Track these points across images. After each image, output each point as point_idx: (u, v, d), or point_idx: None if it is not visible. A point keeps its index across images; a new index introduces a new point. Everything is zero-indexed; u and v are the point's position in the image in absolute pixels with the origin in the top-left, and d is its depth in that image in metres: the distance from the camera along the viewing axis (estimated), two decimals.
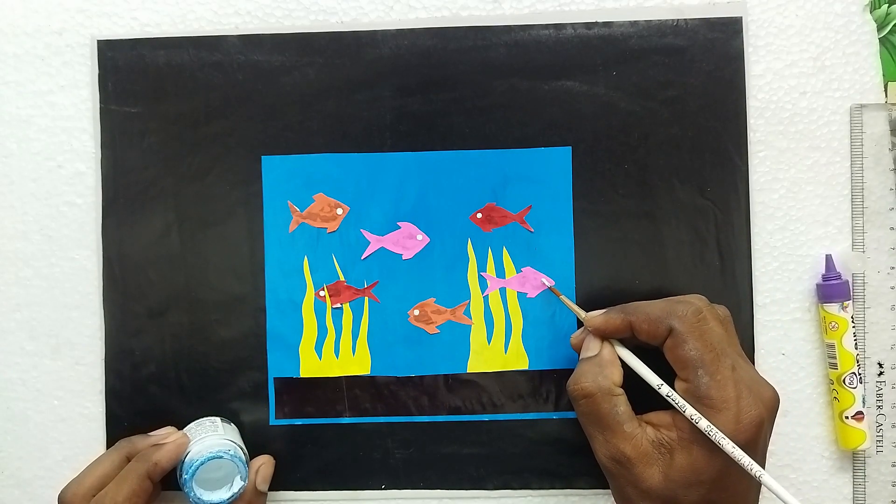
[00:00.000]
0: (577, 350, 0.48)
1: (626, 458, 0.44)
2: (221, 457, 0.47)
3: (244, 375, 0.52)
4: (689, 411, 0.43)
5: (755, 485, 0.44)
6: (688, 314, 0.44)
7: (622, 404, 0.45)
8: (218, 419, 0.51)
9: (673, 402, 0.44)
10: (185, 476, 0.47)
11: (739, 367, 0.44)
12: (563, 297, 0.50)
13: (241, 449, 0.49)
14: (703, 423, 0.42)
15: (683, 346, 0.43)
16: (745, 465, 0.41)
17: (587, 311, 0.48)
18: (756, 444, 0.43)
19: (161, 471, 0.47)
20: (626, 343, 0.47)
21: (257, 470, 0.49)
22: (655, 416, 0.45)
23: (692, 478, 0.42)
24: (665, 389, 0.44)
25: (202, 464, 0.47)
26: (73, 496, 0.46)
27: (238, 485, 0.47)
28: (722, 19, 0.51)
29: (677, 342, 0.43)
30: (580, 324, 0.50)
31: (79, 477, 0.47)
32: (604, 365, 0.46)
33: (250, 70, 0.52)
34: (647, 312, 0.45)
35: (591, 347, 0.47)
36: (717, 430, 0.42)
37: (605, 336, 0.47)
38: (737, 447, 0.41)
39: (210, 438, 0.48)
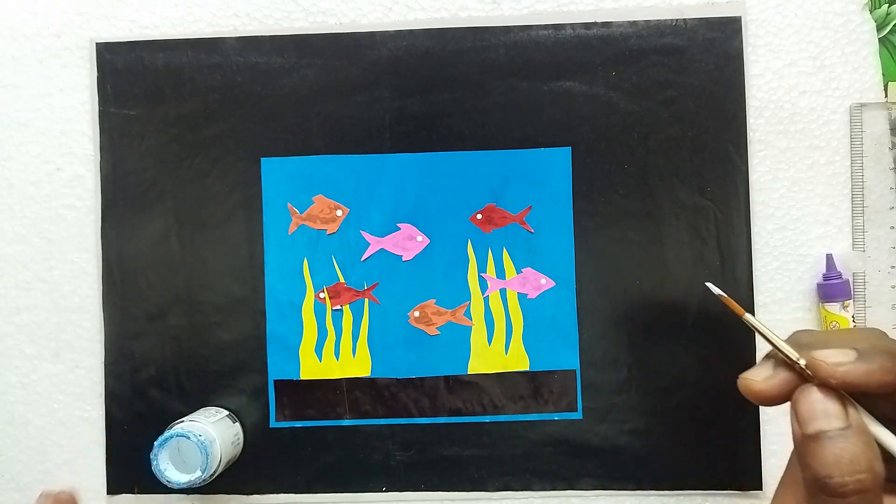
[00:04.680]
0: (763, 400, 0.33)
1: None
2: (188, 437, 0.47)
3: (244, 378, 0.52)
4: None
5: None
6: None
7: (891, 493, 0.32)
8: (225, 412, 0.51)
9: None
10: (155, 445, 0.47)
11: None
12: (756, 323, 0.34)
13: (232, 445, 0.49)
14: None
15: None
16: None
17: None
18: None
19: None
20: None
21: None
22: None
23: None
24: None
25: (168, 438, 0.47)
26: None
27: (196, 474, 0.47)
28: (721, 19, 0.51)
29: None
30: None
31: None
32: (869, 442, 0.31)
33: (249, 72, 0.52)
34: None
35: (834, 413, 0.31)
36: None
37: (853, 391, 0.31)
38: None
39: (197, 422, 0.48)
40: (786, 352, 0.32)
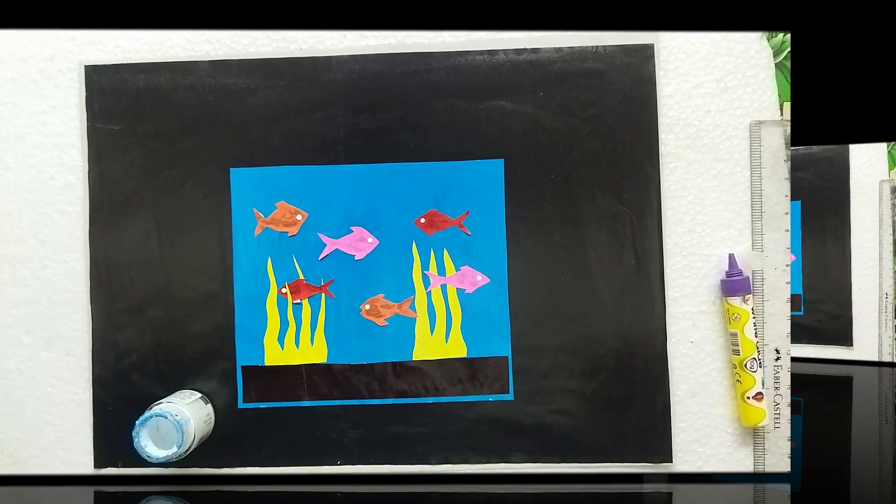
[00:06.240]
0: None
1: None
2: (166, 417, 0.49)
3: (215, 364, 0.54)
4: None
5: None
6: None
7: None
8: (198, 394, 0.53)
9: None
10: (136, 424, 0.49)
11: None
12: None
13: (204, 423, 0.51)
14: None
15: None
16: None
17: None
18: None
19: None
20: None
21: None
22: None
23: None
24: None
25: (148, 418, 0.49)
26: None
27: (172, 450, 0.49)
28: (636, 46, 0.54)
29: None
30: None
31: None
32: None
33: (220, 92, 0.54)
34: None
35: None
36: None
37: None
38: None
39: (173, 403, 0.50)
40: None
